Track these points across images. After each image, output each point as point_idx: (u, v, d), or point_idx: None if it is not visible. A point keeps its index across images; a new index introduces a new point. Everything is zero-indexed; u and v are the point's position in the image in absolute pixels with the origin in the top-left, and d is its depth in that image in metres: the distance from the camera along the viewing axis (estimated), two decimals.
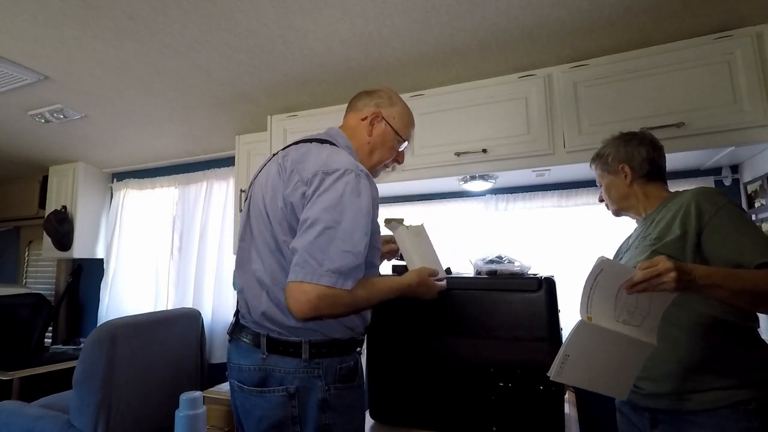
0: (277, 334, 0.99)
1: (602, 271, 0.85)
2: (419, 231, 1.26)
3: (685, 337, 1.00)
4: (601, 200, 1.31)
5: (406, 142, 1.22)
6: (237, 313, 1.11)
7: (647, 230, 1.14)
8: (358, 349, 1.07)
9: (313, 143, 1.09)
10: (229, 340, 1.09)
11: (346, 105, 1.22)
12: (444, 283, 1.17)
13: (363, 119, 1.15)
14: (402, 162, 1.25)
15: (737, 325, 0.99)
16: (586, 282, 0.86)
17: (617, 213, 1.28)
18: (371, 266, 1.06)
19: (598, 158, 1.29)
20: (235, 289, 2.63)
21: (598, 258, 0.86)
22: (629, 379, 0.93)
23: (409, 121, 1.21)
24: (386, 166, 1.22)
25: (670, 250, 1.01)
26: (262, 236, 1.03)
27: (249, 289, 1.04)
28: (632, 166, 1.20)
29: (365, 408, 1.10)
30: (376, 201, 1.03)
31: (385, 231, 1.19)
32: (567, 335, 0.89)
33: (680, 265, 0.83)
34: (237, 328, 1.07)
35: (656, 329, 0.90)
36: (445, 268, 1.33)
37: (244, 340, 1.03)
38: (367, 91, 1.20)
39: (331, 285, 0.89)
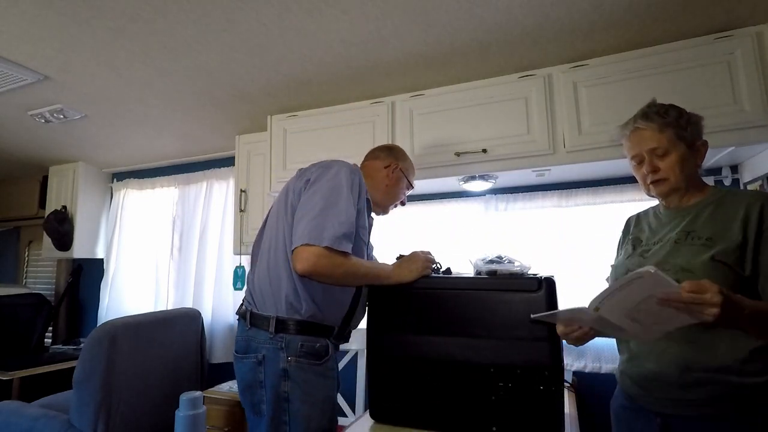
0: (255, 309, 1.21)
1: (642, 278, 0.76)
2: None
3: (724, 344, 0.92)
4: (654, 170, 1.03)
5: (413, 189, 1.52)
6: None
7: (690, 225, 1.02)
8: (331, 338, 1.21)
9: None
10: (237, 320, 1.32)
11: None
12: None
13: (386, 167, 1.42)
14: (405, 204, 1.54)
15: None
16: (618, 282, 0.78)
17: (669, 193, 1.05)
18: (362, 243, 1.27)
19: (672, 121, 1.02)
20: (235, 290, 2.63)
21: (647, 267, 0.75)
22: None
23: (413, 172, 1.53)
24: (394, 205, 1.49)
25: (731, 259, 0.93)
26: (279, 240, 1.23)
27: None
28: (706, 147, 1.06)
29: (334, 396, 1.23)
30: (363, 188, 1.25)
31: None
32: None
33: (730, 304, 0.75)
34: (241, 307, 1.31)
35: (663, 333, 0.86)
36: (445, 267, 1.34)
37: (240, 317, 1.27)
38: (387, 147, 1.50)
39: (330, 245, 1.09)
